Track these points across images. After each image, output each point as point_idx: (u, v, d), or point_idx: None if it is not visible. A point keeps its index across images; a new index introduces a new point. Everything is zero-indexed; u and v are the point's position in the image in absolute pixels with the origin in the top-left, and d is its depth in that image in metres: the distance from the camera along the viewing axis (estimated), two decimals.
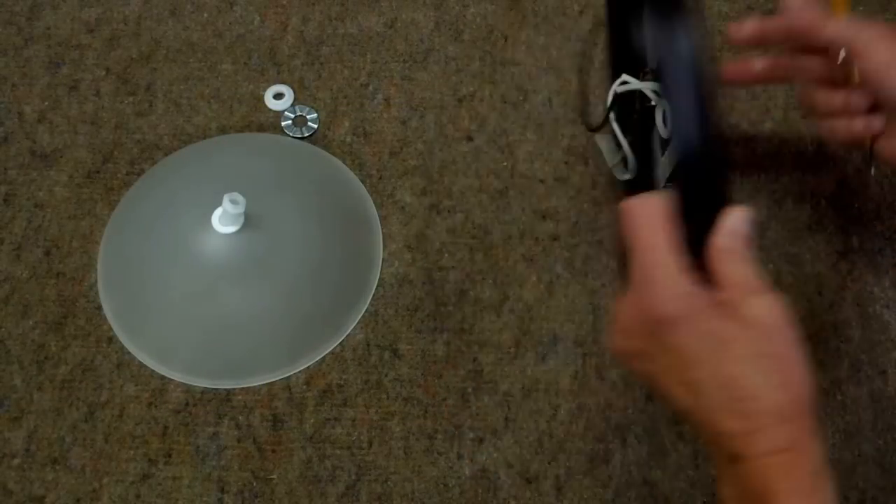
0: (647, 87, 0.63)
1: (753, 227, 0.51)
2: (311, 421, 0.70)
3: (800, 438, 0.46)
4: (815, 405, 0.48)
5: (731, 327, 0.47)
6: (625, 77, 0.65)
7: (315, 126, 0.83)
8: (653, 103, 0.63)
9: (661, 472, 0.68)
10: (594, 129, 0.70)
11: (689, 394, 0.48)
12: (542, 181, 0.80)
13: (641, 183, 0.66)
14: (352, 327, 0.74)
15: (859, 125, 0.58)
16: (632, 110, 0.66)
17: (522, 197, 0.79)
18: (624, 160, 0.68)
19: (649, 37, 0.65)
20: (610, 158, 0.70)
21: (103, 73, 0.86)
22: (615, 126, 0.66)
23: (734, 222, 0.50)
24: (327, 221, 0.77)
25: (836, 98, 0.58)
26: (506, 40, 0.87)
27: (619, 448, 0.69)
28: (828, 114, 0.60)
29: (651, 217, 0.49)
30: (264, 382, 0.72)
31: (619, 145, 0.67)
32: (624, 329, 0.50)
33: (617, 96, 0.66)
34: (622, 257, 0.52)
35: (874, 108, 0.58)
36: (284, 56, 0.87)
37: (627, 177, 0.68)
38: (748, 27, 0.61)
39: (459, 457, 0.69)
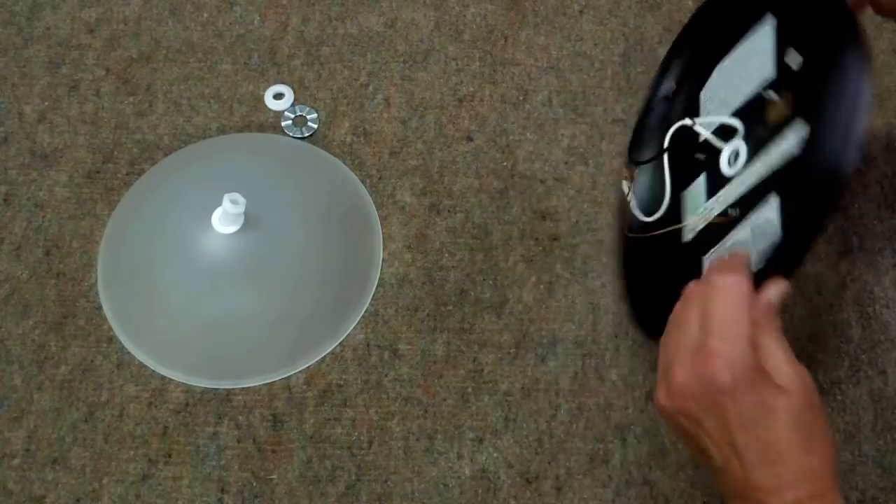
0: (709, 133, 0.66)
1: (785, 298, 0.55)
2: (311, 421, 0.70)
3: (822, 493, 0.50)
4: (838, 465, 0.52)
5: (773, 395, 0.51)
6: (688, 120, 0.68)
7: (315, 126, 0.83)
8: (715, 146, 0.65)
9: (661, 472, 0.68)
10: (640, 163, 0.71)
11: (730, 453, 0.52)
12: (542, 181, 0.80)
13: (660, 225, 0.69)
14: (352, 327, 0.74)
15: None
16: (680, 153, 0.69)
17: (522, 197, 0.79)
18: (646, 203, 0.71)
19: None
20: (635, 199, 0.71)
21: (103, 73, 0.86)
22: (667, 166, 0.68)
23: (771, 295, 0.55)
24: (327, 221, 0.77)
25: None
26: (506, 40, 0.87)
27: (619, 448, 0.69)
28: None
29: (736, 295, 0.54)
30: (264, 382, 0.72)
31: (652, 186, 0.70)
32: (678, 391, 0.54)
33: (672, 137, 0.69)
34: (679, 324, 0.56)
35: None
36: (284, 56, 0.87)
37: (647, 219, 0.69)
38: None
39: (459, 457, 0.69)
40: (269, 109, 0.84)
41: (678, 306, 0.57)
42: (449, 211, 0.79)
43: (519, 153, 0.81)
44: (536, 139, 0.82)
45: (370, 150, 0.82)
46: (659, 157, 0.70)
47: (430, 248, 0.77)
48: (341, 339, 0.73)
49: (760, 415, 0.51)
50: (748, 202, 0.60)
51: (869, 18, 0.87)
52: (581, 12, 0.88)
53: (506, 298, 0.75)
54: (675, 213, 0.68)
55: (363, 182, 0.80)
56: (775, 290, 0.55)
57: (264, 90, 0.85)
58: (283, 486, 0.68)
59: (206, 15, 0.89)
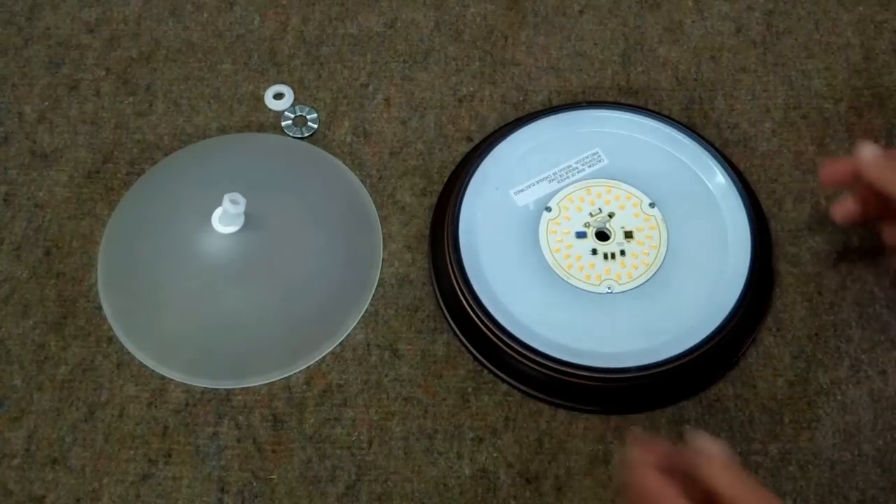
0: None
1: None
2: (311, 421, 0.70)
3: None
4: None
5: None
6: None
7: (315, 126, 0.83)
8: None
9: None
10: None
11: None
12: None
13: None
14: (352, 327, 0.74)
15: None
16: None
17: None
18: None
19: None
20: None
21: (103, 73, 0.86)
22: None
23: (711, 448, 0.55)
24: (327, 221, 0.77)
25: None
26: (506, 40, 0.87)
27: (619, 448, 0.69)
28: None
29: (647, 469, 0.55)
30: (264, 382, 0.72)
31: None
32: None
33: None
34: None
35: None
36: (284, 56, 0.87)
37: None
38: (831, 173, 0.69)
39: (459, 457, 0.69)
40: (269, 109, 0.84)
41: None
42: None
43: None
44: None
45: (370, 150, 0.82)
46: None
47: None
48: (341, 339, 0.73)
49: None
50: None
51: (868, 17, 0.87)
52: (581, 12, 0.88)
53: None
54: None
55: (363, 182, 0.80)
56: (708, 443, 0.56)
57: (264, 90, 0.85)
58: (283, 486, 0.68)
59: (206, 15, 0.89)
